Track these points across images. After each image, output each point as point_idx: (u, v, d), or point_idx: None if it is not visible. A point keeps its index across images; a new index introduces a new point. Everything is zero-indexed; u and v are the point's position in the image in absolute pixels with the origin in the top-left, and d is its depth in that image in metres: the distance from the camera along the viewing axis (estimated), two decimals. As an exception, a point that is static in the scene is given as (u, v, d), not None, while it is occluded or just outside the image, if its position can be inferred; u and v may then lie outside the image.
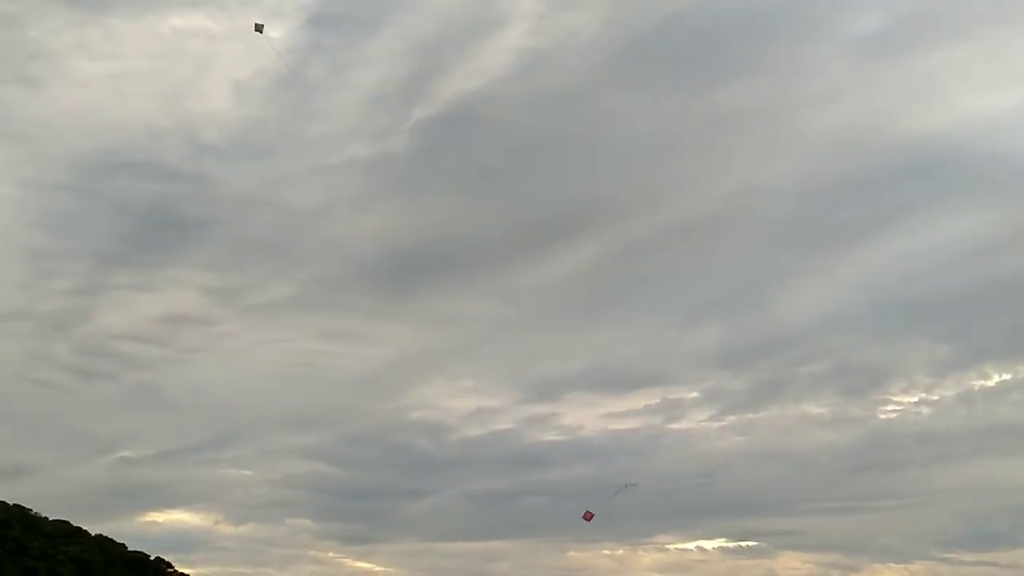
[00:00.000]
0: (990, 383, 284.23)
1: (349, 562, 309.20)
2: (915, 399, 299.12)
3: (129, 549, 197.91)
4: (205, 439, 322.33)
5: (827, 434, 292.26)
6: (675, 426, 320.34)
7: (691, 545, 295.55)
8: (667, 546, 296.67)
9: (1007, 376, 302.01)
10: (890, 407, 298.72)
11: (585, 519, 62.63)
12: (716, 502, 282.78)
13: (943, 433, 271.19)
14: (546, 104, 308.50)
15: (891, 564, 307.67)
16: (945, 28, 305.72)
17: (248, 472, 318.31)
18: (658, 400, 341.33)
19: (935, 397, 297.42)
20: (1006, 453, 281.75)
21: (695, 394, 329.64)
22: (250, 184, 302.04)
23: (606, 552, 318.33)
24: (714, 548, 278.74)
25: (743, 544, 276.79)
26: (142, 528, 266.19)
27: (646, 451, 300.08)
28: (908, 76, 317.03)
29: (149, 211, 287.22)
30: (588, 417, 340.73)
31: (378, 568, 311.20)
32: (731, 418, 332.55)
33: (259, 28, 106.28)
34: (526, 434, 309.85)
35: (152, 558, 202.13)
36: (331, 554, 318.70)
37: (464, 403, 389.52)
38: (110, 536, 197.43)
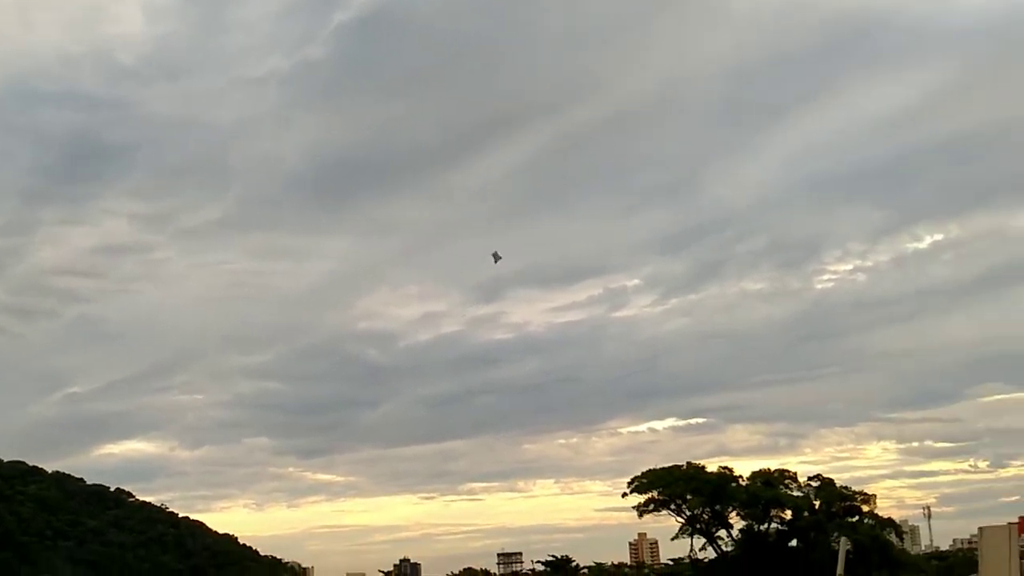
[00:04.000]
0: (923, 245, 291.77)
1: (309, 475, 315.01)
2: (851, 267, 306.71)
3: (88, 483, 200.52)
4: (152, 367, 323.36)
5: (767, 308, 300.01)
6: (619, 314, 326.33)
7: (643, 427, 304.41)
8: (619, 430, 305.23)
9: (939, 236, 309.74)
10: (827, 277, 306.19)
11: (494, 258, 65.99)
12: (664, 384, 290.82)
13: (880, 298, 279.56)
14: (469, 2, 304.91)
15: (836, 428, 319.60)
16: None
17: (199, 396, 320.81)
18: (601, 290, 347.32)
19: (870, 263, 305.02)
20: (940, 312, 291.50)
21: (637, 281, 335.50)
22: (171, 105, 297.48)
23: (561, 441, 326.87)
24: (665, 428, 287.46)
25: (693, 422, 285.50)
26: (99, 461, 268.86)
27: (592, 341, 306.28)
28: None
29: (70, 142, 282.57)
30: (533, 313, 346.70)
31: (338, 478, 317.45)
32: (673, 301, 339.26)
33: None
34: (474, 335, 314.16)
35: (112, 489, 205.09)
36: (291, 469, 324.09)
37: (410, 310, 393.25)
38: (67, 472, 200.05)
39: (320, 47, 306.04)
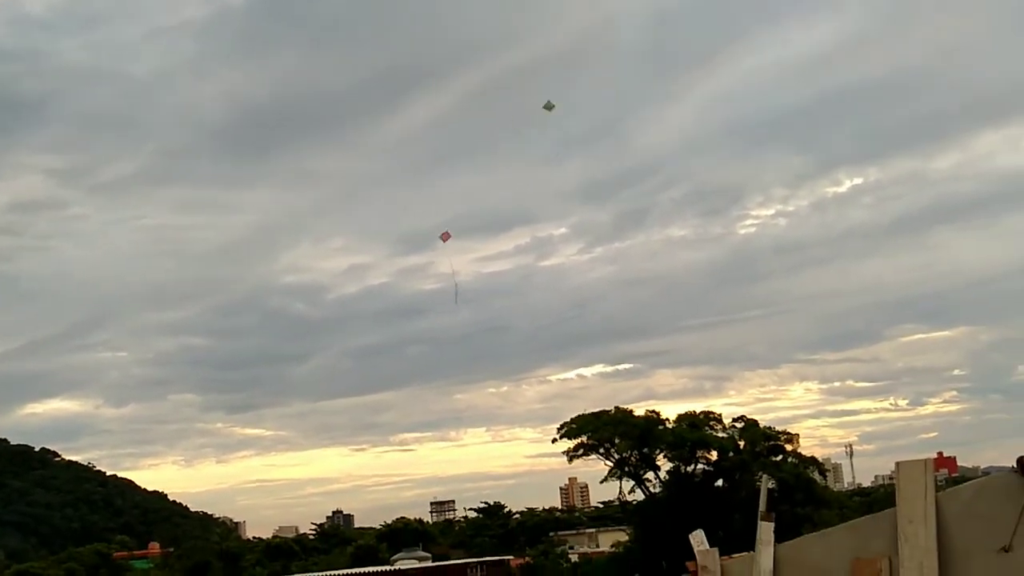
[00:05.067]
0: (842, 189, 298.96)
1: (238, 430, 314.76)
2: (772, 212, 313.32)
3: (12, 444, 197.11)
4: (72, 325, 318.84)
5: (691, 254, 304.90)
6: (546, 263, 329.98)
7: (571, 374, 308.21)
8: (548, 377, 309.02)
9: (858, 180, 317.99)
10: (748, 222, 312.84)
11: (442, 239, 65.27)
12: (592, 331, 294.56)
13: (800, 242, 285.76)
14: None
15: (760, 370, 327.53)
16: None
17: (122, 354, 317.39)
18: (528, 239, 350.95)
19: (791, 208, 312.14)
20: (860, 255, 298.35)
21: (563, 230, 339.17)
22: (84, 56, 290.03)
23: (491, 390, 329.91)
24: (593, 374, 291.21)
25: (620, 367, 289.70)
26: (22, 421, 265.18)
27: (520, 290, 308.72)
28: None
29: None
30: (461, 263, 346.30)
31: (267, 432, 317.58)
32: (599, 249, 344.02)
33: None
34: (402, 286, 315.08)
35: (37, 449, 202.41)
36: (219, 425, 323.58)
37: (336, 262, 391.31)
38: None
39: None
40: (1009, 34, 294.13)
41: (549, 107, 50.68)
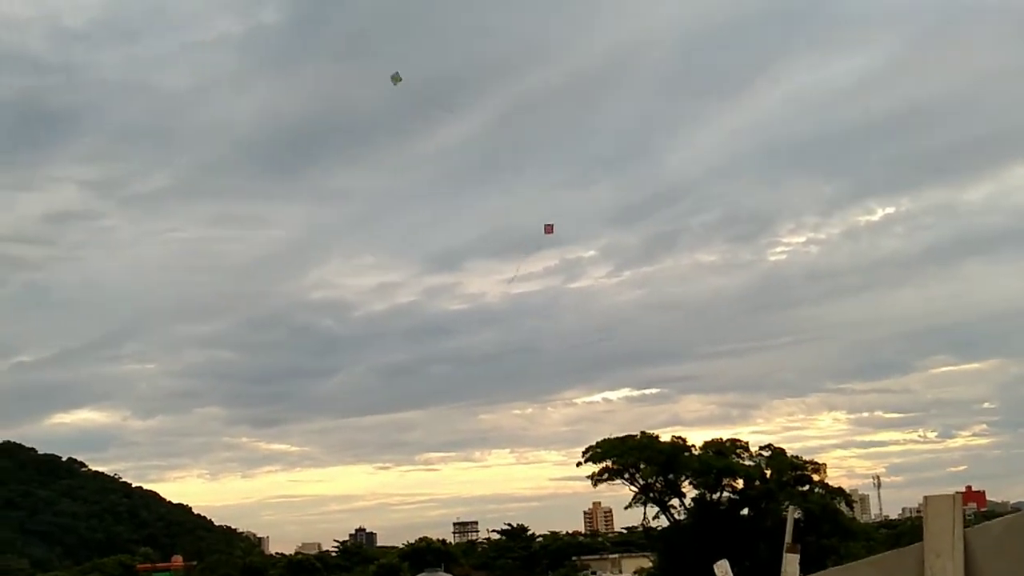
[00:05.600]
0: (874, 218, 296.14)
1: (263, 445, 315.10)
2: (803, 239, 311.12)
3: (40, 453, 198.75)
4: (103, 336, 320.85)
5: (720, 280, 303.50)
6: (575, 285, 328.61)
7: (597, 397, 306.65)
8: (574, 400, 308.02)
9: (890, 210, 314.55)
10: (779, 248, 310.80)
11: (546, 232, 65.02)
12: (619, 354, 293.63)
13: (831, 269, 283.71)
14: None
15: (788, 398, 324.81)
16: None
17: (151, 366, 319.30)
18: (557, 261, 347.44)
19: (822, 235, 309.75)
20: (891, 284, 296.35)
21: (592, 252, 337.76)
22: (121, 70, 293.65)
23: (516, 411, 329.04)
24: (619, 398, 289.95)
25: (647, 392, 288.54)
26: (50, 431, 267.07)
27: (548, 312, 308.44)
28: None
29: (17, 106, 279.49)
30: (489, 283, 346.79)
31: (293, 448, 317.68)
32: (628, 273, 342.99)
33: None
34: (429, 305, 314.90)
35: (64, 459, 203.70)
36: (244, 439, 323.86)
37: (365, 279, 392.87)
38: (18, 441, 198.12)
39: (273, 11, 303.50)
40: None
41: (396, 79, 49.17)
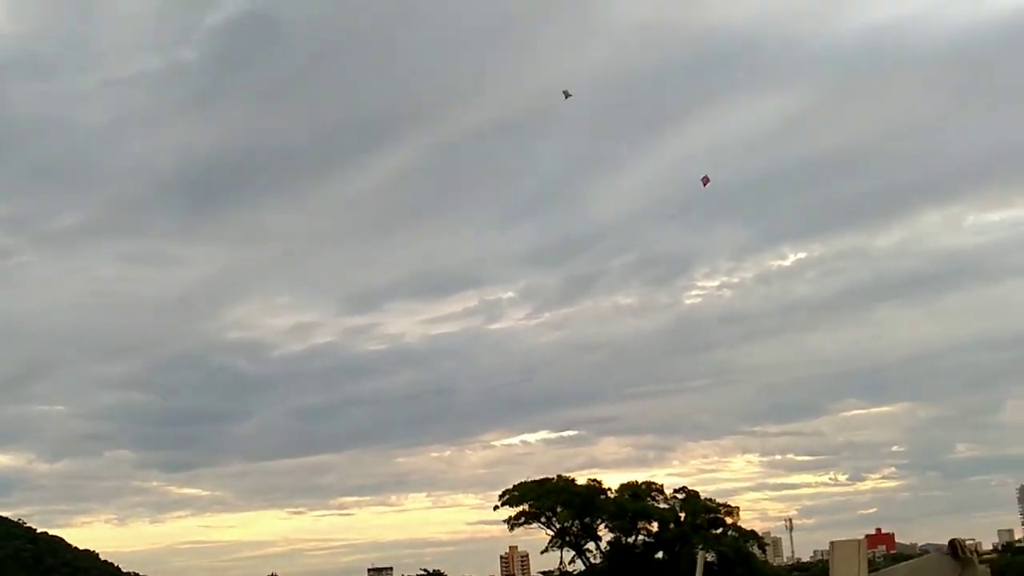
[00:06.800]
0: (786, 263, 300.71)
1: (174, 489, 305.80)
2: (717, 283, 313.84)
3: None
4: (10, 376, 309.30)
5: (638, 322, 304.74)
6: (494, 326, 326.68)
7: (516, 440, 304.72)
8: (493, 443, 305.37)
9: (802, 255, 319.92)
10: (695, 292, 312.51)
11: (703, 183, 64.71)
12: (538, 396, 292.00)
13: (745, 313, 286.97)
14: (345, 5, 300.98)
15: (703, 441, 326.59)
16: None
17: (60, 407, 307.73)
18: (476, 302, 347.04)
19: (736, 279, 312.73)
20: (803, 329, 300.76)
21: (512, 293, 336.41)
22: (36, 105, 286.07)
23: (434, 454, 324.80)
24: (538, 440, 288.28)
25: (565, 434, 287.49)
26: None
27: (467, 353, 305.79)
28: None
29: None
30: (409, 324, 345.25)
31: (204, 492, 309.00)
32: (547, 314, 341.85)
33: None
34: (348, 346, 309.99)
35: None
36: (154, 483, 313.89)
37: (282, 320, 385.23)
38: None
39: (192, 49, 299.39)
40: (954, 115, 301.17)
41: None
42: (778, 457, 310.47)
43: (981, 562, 12.99)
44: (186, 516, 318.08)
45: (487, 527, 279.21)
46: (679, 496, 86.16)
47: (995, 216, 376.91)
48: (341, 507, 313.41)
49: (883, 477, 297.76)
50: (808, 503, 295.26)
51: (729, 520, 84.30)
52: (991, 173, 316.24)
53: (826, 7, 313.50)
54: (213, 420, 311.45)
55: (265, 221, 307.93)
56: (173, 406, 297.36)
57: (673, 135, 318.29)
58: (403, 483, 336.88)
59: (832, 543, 12.75)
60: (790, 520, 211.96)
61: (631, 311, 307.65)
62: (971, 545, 12.32)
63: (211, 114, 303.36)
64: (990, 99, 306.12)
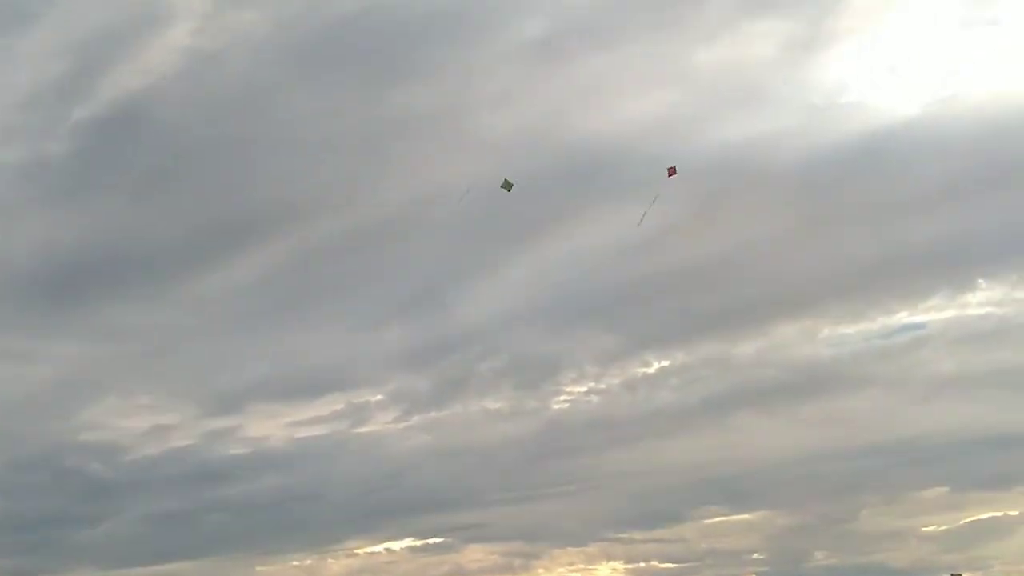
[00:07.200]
0: (650, 370, 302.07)
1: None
2: (585, 388, 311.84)
3: None
4: None
5: (507, 427, 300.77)
6: (361, 430, 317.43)
7: (380, 547, 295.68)
8: (356, 551, 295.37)
9: (665, 363, 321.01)
10: (563, 397, 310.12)
11: (669, 173, 61.69)
12: (404, 502, 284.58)
13: (611, 419, 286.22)
14: (216, 106, 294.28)
15: (569, 548, 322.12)
16: (605, 35, 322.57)
17: None
18: (343, 405, 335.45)
19: (603, 386, 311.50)
20: (666, 435, 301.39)
21: (380, 396, 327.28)
22: None
23: (295, 563, 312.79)
24: (402, 548, 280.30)
25: (430, 541, 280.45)
26: None
27: (333, 457, 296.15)
28: (571, 81, 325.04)
29: None
30: (273, 427, 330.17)
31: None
32: (416, 418, 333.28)
33: None
34: (207, 449, 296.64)
35: None
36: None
37: (139, 421, 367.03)
38: None
39: (58, 142, 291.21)
40: (805, 232, 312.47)
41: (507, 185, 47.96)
42: (642, 564, 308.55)
43: None
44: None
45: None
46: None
47: (850, 329, 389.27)
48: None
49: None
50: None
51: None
52: (844, 288, 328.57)
53: (688, 125, 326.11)
54: (63, 525, 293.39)
55: (126, 318, 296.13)
56: (20, 509, 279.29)
57: (546, 241, 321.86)
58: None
59: None
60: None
61: (500, 416, 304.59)
62: None
63: (75, 209, 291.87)
64: (840, 217, 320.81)
